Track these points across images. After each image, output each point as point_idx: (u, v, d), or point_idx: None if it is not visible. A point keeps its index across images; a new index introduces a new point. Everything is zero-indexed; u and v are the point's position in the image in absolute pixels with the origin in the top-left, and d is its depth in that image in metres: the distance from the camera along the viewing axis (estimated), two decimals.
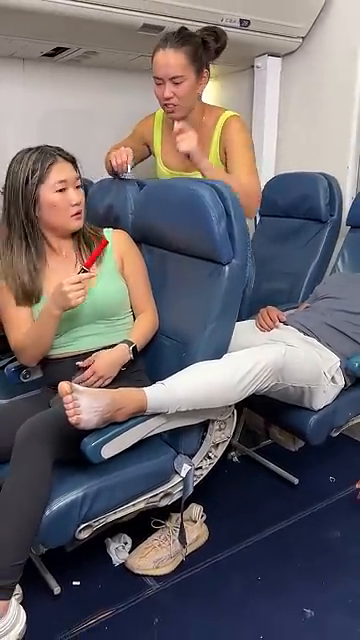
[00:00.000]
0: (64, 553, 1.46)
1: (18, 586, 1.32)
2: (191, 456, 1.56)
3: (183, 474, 1.51)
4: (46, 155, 1.45)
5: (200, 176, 1.74)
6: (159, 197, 1.69)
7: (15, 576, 1.27)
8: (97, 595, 1.55)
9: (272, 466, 2.11)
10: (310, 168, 2.36)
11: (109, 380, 1.49)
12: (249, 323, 1.88)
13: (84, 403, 1.25)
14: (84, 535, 1.38)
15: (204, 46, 1.72)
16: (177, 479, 1.53)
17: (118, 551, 1.67)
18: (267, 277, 2.23)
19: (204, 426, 1.56)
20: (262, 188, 2.36)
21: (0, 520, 1.27)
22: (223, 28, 1.79)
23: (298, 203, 2.33)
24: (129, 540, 1.70)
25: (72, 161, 1.50)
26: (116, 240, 1.63)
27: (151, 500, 1.51)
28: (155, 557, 1.62)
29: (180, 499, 1.56)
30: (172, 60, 1.67)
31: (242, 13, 2.09)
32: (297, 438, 1.92)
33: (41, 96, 2.37)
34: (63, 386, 1.25)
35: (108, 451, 1.31)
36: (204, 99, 1.90)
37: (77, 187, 1.50)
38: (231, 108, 1.89)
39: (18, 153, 1.48)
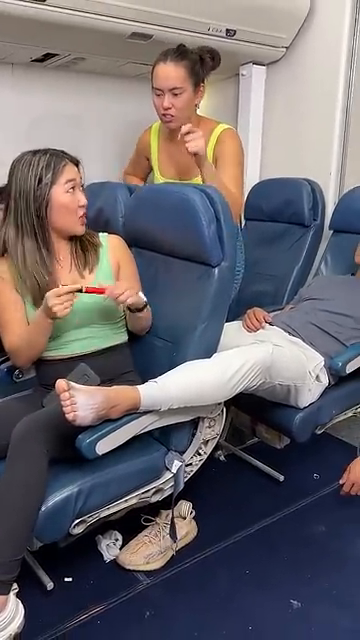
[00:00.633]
0: (56, 550, 1.48)
1: None
2: (182, 453, 1.59)
3: (174, 470, 1.55)
4: (57, 157, 1.47)
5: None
6: (150, 201, 1.73)
7: (13, 571, 1.29)
8: (89, 590, 1.58)
9: (258, 464, 2.15)
10: (294, 174, 2.41)
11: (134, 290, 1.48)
12: (236, 324, 1.93)
13: (80, 400, 1.28)
14: (78, 530, 1.40)
15: (201, 63, 1.81)
16: (168, 475, 1.56)
17: (109, 547, 1.69)
18: (252, 279, 2.28)
19: (194, 423, 1.60)
20: (246, 195, 2.44)
21: None
22: (210, 37, 1.84)
23: (282, 208, 2.38)
24: (120, 537, 1.73)
25: (77, 163, 1.53)
26: (111, 245, 1.65)
27: (143, 496, 1.54)
28: (146, 553, 1.66)
29: (171, 495, 1.59)
30: (172, 72, 1.76)
31: (228, 23, 2.14)
32: (283, 436, 1.96)
33: (30, 101, 2.36)
34: (60, 383, 1.27)
35: (102, 447, 1.34)
36: None
37: (81, 189, 1.53)
38: (217, 115, 1.94)
39: (23, 155, 1.49)
